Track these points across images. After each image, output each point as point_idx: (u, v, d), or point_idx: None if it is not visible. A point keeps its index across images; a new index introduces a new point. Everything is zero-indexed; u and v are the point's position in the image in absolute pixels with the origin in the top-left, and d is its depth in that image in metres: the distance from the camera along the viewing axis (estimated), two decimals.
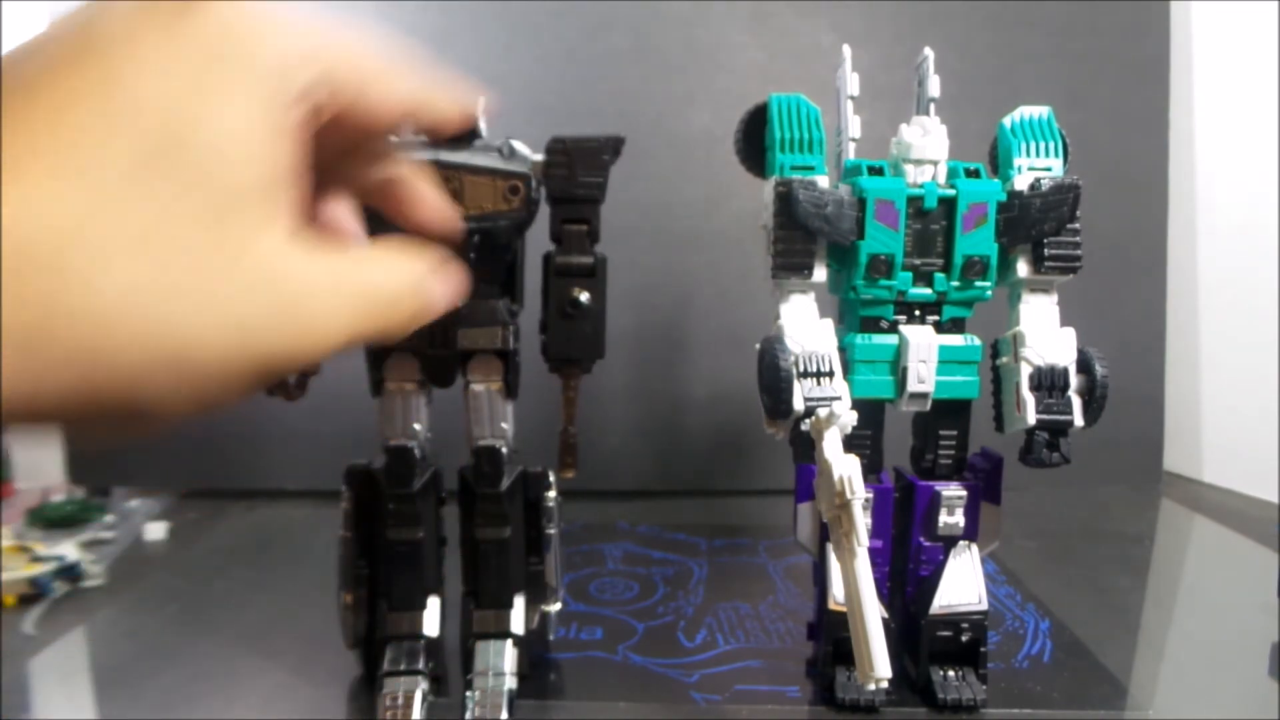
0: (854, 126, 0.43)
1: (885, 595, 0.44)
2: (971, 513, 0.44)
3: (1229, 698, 0.47)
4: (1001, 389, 0.43)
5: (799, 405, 0.38)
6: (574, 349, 0.44)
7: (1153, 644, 0.53)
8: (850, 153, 0.44)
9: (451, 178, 0.38)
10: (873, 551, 0.41)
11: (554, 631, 0.49)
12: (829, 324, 0.41)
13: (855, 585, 0.33)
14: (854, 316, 0.43)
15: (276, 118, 0.21)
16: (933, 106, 0.42)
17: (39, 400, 0.17)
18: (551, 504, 0.46)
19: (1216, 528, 0.73)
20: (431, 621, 0.45)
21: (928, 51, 0.43)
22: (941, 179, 0.41)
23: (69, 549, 0.61)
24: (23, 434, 0.18)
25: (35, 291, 0.17)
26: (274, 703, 0.45)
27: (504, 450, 0.43)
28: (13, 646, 0.51)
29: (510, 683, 0.43)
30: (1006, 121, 0.43)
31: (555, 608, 0.47)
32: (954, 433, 0.44)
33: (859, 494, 0.33)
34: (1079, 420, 0.41)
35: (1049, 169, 0.42)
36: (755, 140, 0.43)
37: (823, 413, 0.35)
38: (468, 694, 0.43)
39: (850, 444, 0.36)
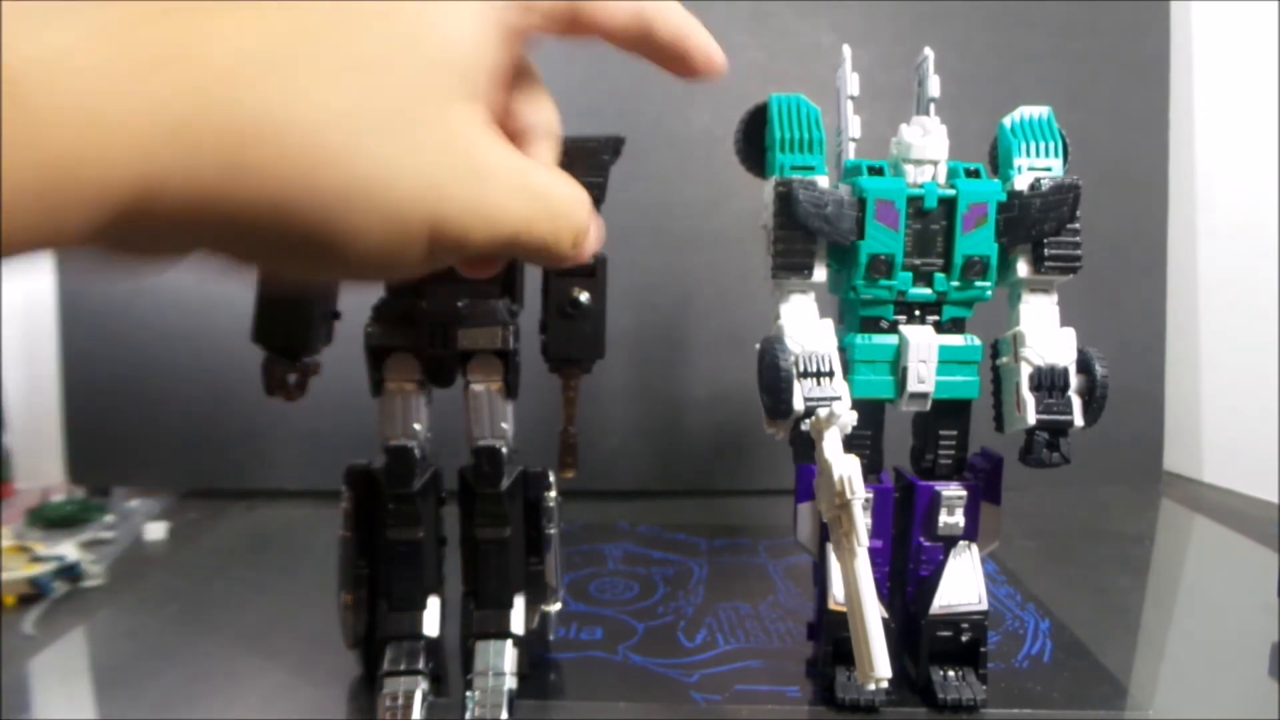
0: (854, 126, 0.43)
1: (885, 595, 0.44)
2: (971, 513, 0.44)
3: (1229, 698, 0.47)
4: (1001, 389, 0.43)
5: (799, 405, 0.38)
6: (574, 349, 0.44)
7: (1153, 644, 0.53)
8: (850, 153, 0.44)
9: None
10: (873, 551, 0.41)
11: (554, 631, 0.49)
12: (829, 324, 0.41)
13: (855, 585, 0.33)
14: (854, 316, 0.43)
15: (492, 14, 0.22)
16: (933, 106, 0.42)
17: (242, 208, 0.18)
18: (551, 504, 0.46)
19: (1216, 528, 0.73)
20: (431, 621, 0.45)
21: (928, 51, 0.43)
22: (941, 179, 0.41)
23: (69, 549, 0.61)
24: (222, 258, 0.19)
25: (243, 102, 0.17)
26: (274, 703, 0.45)
27: (504, 450, 0.43)
28: (13, 646, 0.51)
29: (510, 683, 0.43)
30: (1006, 121, 0.43)
31: (555, 608, 0.47)
32: (954, 433, 0.44)
33: (859, 494, 0.33)
34: (1079, 420, 0.41)
35: (1049, 169, 0.42)
36: (755, 140, 0.43)
37: (823, 413, 0.35)
38: (468, 694, 0.43)
39: (850, 444, 0.36)
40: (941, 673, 0.45)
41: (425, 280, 0.42)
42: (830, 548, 0.39)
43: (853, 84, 0.43)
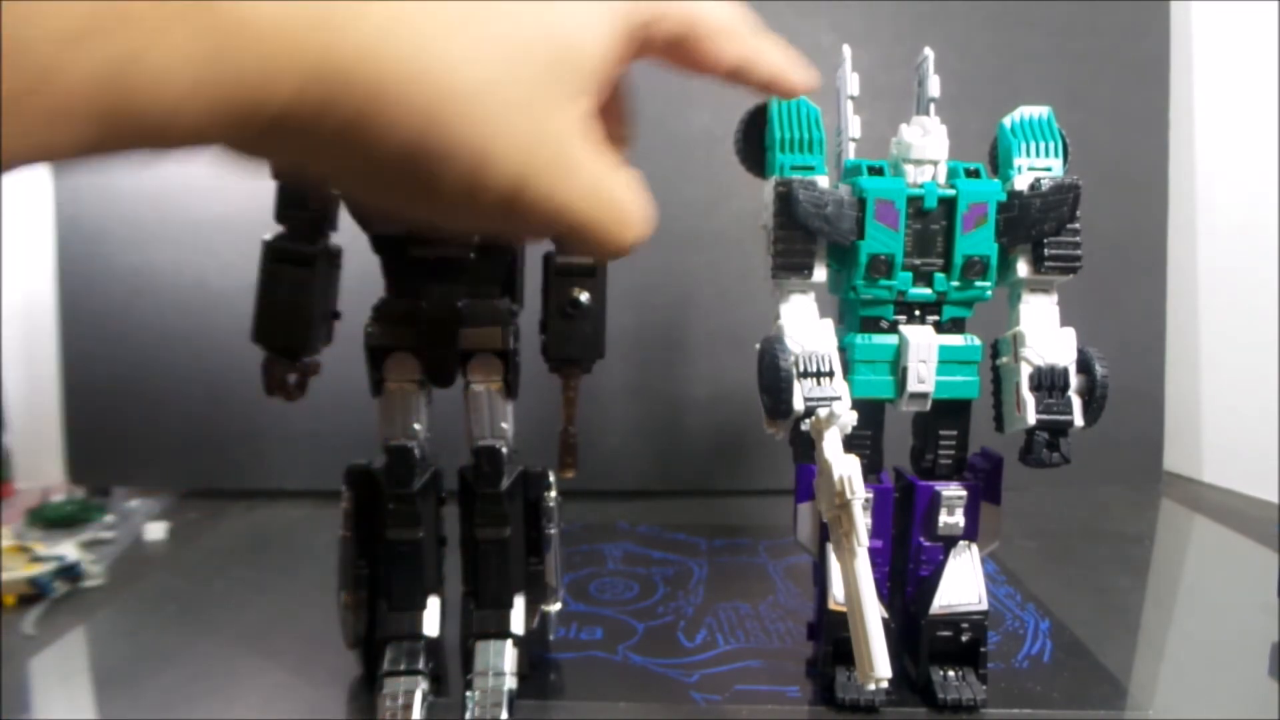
0: (854, 126, 0.43)
1: (885, 595, 0.44)
2: (971, 513, 0.44)
3: (1229, 698, 0.47)
4: (1001, 389, 0.43)
5: (799, 405, 0.38)
6: (574, 349, 0.44)
7: (1153, 644, 0.53)
8: (850, 153, 0.44)
9: None
10: (873, 551, 0.41)
11: (554, 631, 0.49)
12: (829, 324, 0.41)
13: (855, 585, 0.33)
14: (854, 316, 0.43)
15: (612, 16, 0.24)
16: (933, 106, 0.42)
17: (365, 129, 0.19)
18: (551, 504, 0.46)
19: (1216, 528, 0.73)
20: (431, 621, 0.45)
21: (928, 51, 0.43)
22: (941, 179, 0.41)
23: (69, 549, 0.61)
24: (328, 170, 0.20)
25: (395, 50, 0.19)
26: (274, 703, 0.45)
27: (504, 450, 0.43)
28: (13, 646, 0.51)
29: (510, 683, 0.43)
30: (1006, 121, 0.43)
31: (555, 608, 0.47)
32: (954, 433, 0.44)
33: (859, 494, 0.33)
34: (1079, 420, 0.41)
35: (1049, 169, 0.42)
36: (755, 140, 0.43)
37: (823, 413, 0.35)
38: (468, 694, 0.43)
39: (850, 444, 0.36)
40: (941, 673, 0.45)
41: (425, 280, 0.42)
42: (830, 548, 0.39)
43: (853, 84, 0.43)
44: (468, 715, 0.42)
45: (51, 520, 0.70)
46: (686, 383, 0.80)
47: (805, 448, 0.37)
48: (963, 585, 0.44)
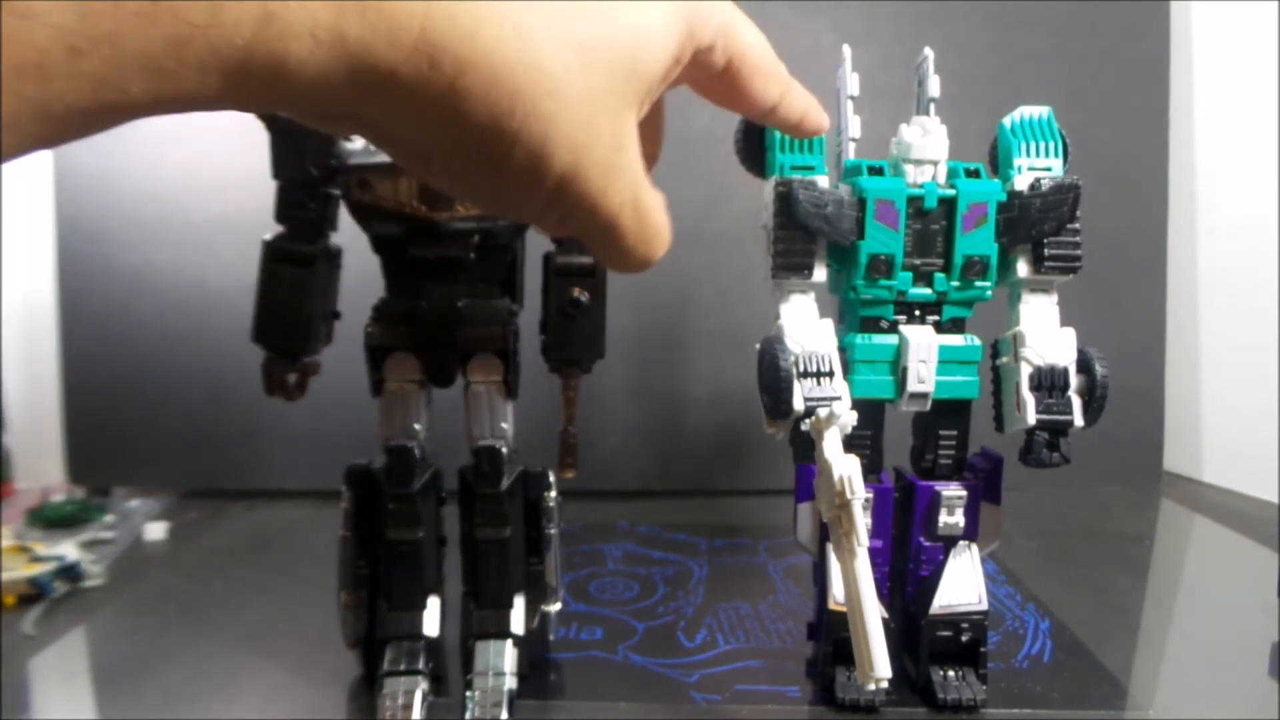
0: (854, 126, 0.43)
1: (885, 595, 0.44)
2: (971, 513, 0.44)
3: (1229, 698, 0.47)
4: (1001, 389, 0.43)
5: (799, 405, 0.38)
6: (574, 349, 0.44)
7: (1153, 644, 0.53)
8: (850, 153, 0.44)
9: None
10: (873, 551, 0.41)
11: (554, 631, 0.49)
12: (829, 324, 0.41)
13: (855, 585, 0.33)
14: (854, 316, 0.43)
15: (676, 36, 0.24)
16: (933, 106, 0.42)
17: (437, 102, 0.20)
18: (551, 504, 0.46)
19: (1216, 528, 0.73)
20: (431, 621, 0.45)
21: (928, 51, 0.43)
22: (941, 179, 0.41)
23: (69, 549, 0.61)
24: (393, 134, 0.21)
25: (481, 33, 0.20)
26: (274, 703, 0.45)
27: (504, 450, 0.43)
28: (13, 646, 0.51)
29: (510, 683, 0.43)
30: (1006, 121, 0.43)
31: (555, 608, 0.47)
32: (954, 433, 0.44)
33: (859, 494, 0.33)
34: (1079, 420, 0.41)
35: (1049, 169, 0.42)
36: (755, 140, 0.43)
37: (823, 413, 0.35)
38: (468, 694, 0.43)
39: (850, 444, 0.36)
40: (941, 673, 0.45)
41: (425, 280, 0.42)
42: (830, 548, 0.39)
43: (853, 84, 0.43)
44: (468, 715, 0.42)
45: (51, 520, 0.70)
46: (686, 383, 0.80)
47: (805, 448, 0.37)
48: (963, 585, 0.44)
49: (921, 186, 0.41)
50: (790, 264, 0.41)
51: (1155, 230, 0.83)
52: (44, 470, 0.81)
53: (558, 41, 0.21)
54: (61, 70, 0.16)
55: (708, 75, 0.28)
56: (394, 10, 0.19)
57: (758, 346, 0.41)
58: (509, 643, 0.44)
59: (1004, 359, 0.43)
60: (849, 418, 0.35)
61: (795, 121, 0.32)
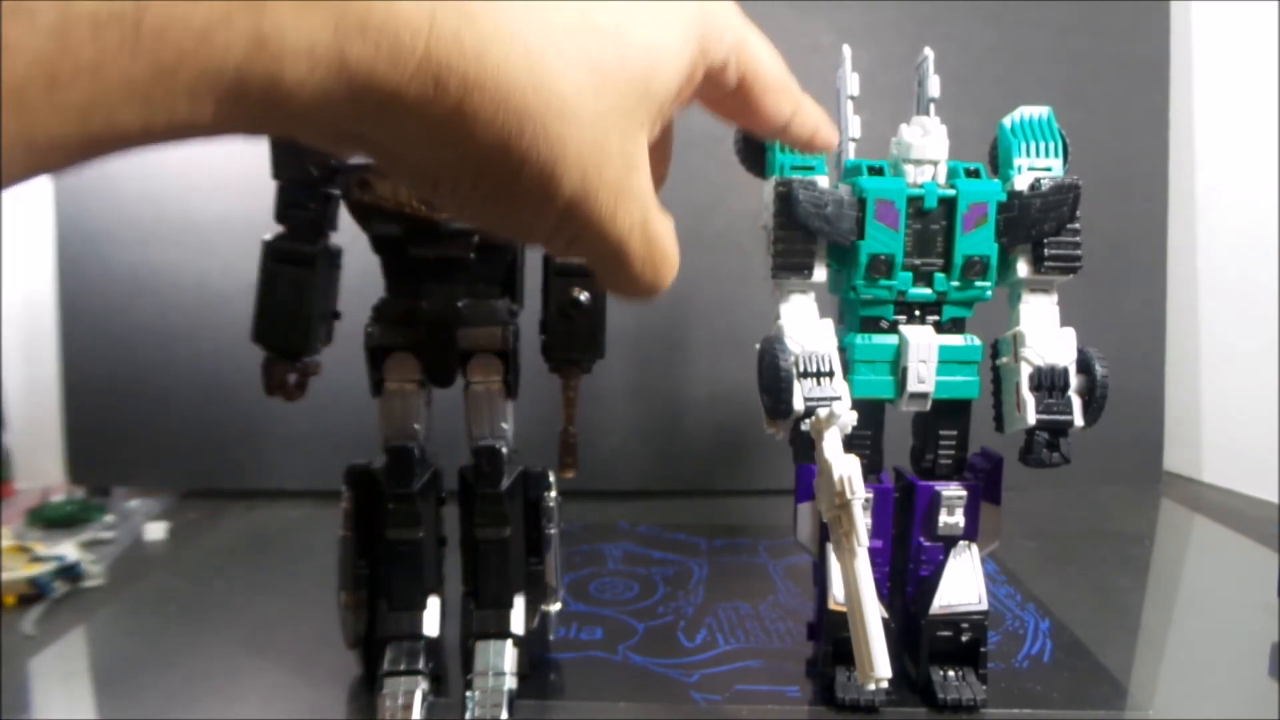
0: (854, 126, 0.43)
1: (885, 595, 0.44)
2: (971, 513, 0.44)
3: (1229, 698, 0.47)
4: (1001, 389, 0.43)
5: (799, 405, 0.38)
6: (574, 349, 0.44)
7: (1153, 644, 0.53)
8: (850, 153, 0.44)
9: None
10: (873, 551, 0.41)
11: (554, 631, 0.49)
12: (829, 324, 0.41)
13: (855, 585, 0.33)
14: (854, 316, 0.43)
15: (689, 55, 0.24)
16: (933, 106, 0.42)
17: (443, 120, 0.20)
18: (551, 504, 0.46)
19: (1216, 528, 0.73)
20: (431, 621, 0.45)
21: (928, 51, 0.43)
22: (941, 179, 0.41)
23: (69, 549, 0.61)
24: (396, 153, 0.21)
25: (489, 51, 0.19)
26: (274, 703, 0.45)
27: (504, 450, 0.43)
28: (13, 646, 0.51)
29: (510, 683, 0.43)
30: (1006, 121, 0.43)
31: (555, 608, 0.47)
32: (954, 433, 0.44)
33: (859, 494, 0.33)
34: (1079, 420, 0.41)
35: (1049, 169, 0.42)
36: (755, 140, 0.43)
37: (823, 413, 0.35)
38: (468, 694, 0.43)
39: (850, 444, 0.36)
40: (941, 673, 0.45)
41: (425, 280, 0.42)
42: (830, 548, 0.39)
43: (853, 84, 0.43)
44: (468, 715, 0.42)
45: (51, 520, 0.70)
46: (686, 383, 0.80)
47: (805, 448, 0.37)
48: (963, 585, 0.44)
49: (921, 186, 0.41)
50: (790, 264, 0.41)
51: (1155, 230, 0.83)
52: (44, 470, 0.81)
53: (568, 61, 0.21)
54: (42, 101, 0.16)
55: (720, 93, 0.28)
56: (396, 29, 0.18)
57: (758, 346, 0.41)
58: (509, 643, 0.44)
59: (1004, 359, 0.43)
60: (849, 418, 0.35)
61: (806, 138, 0.31)
